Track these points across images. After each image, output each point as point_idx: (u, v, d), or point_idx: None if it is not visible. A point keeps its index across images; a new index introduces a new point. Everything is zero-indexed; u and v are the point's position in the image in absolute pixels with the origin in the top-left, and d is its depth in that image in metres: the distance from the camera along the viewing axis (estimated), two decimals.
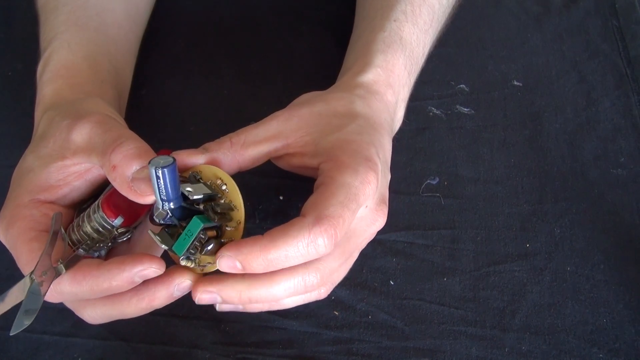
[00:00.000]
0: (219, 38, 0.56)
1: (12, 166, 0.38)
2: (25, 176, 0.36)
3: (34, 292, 0.31)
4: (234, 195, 0.34)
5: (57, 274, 0.32)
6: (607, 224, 0.46)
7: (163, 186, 0.31)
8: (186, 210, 0.34)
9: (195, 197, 0.33)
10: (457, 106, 0.52)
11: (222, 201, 0.34)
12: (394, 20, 0.44)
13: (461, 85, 0.53)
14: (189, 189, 0.33)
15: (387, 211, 0.37)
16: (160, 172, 0.31)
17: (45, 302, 0.42)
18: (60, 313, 0.42)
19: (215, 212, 0.33)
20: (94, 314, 0.35)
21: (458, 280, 0.44)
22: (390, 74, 0.42)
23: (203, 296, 0.34)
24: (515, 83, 0.54)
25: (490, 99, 0.53)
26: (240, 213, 0.34)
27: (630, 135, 0.51)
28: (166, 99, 0.52)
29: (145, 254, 0.33)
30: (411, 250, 0.45)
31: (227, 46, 0.55)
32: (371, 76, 0.41)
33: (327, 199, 0.33)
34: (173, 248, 0.33)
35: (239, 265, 0.32)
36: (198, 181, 0.35)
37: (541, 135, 0.51)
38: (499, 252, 0.45)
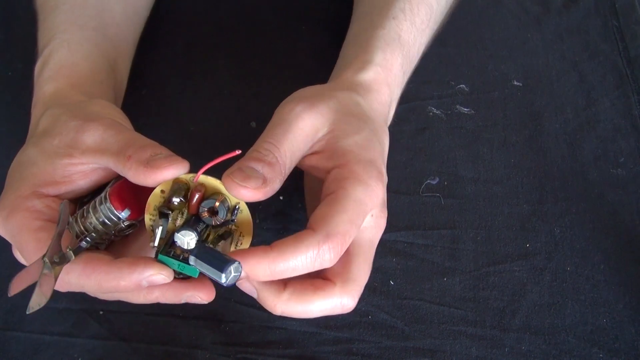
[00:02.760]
0: (219, 38, 0.56)
1: None
2: (27, 168, 0.36)
3: (48, 275, 0.31)
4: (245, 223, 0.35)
5: (67, 259, 0.32)
6: (607, 224, 0.46)
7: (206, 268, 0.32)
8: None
9: (188, 247, 0.33)
10: (457, 106, 0.52)
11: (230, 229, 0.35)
12: (393, 18, 0.44)
13: (461, 85, 0.53)
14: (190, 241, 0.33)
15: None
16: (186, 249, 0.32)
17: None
18: (60, 313, 0.42)
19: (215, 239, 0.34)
20: (102, 295, 0.36)
21: (458, 280, 0.44)
22: (388, 73, 0.42)
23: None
24: (515, 83, 0.54)
25: (490, 99, 0.53)
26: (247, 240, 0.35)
27: (630, 135, 0.51)
28: (166, 99, 0.52)
29: (156, 262, 0.33)
30: (411, 250, 0.45)
31: (227, 46, 0.55)
32: (372, 74, 0.41)
33: (339, 214, 0.33)
34: (159, 256, 0.33)
35: (243, 274, 0.32)
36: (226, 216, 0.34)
37: (541, 135, 0.51)
38: (499, 252, 0.45)
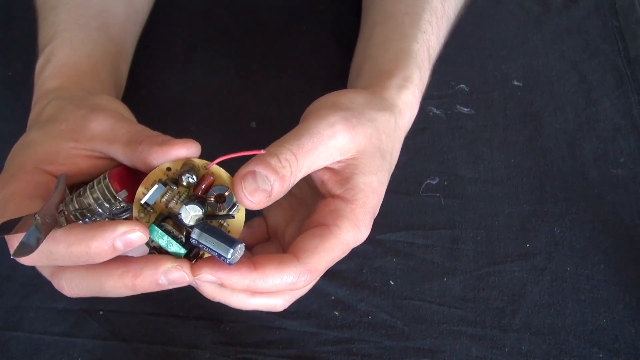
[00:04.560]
0: (219, 38, 0.56)
1: None
2: (30, 148, 0.35)
3: (36, 229, 0.29)
4: (235, 229, 0.34)
5: (59, 224, 0.31)
6: (607, 224, 0.46)
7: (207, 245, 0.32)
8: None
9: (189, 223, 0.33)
10: (457, 106, 0.52)
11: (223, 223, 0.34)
12: (424, 32, 0.43)
13: (461, 85, 0.53)
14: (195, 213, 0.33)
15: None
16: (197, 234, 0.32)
17: (44, 302, 0.43)
18: (60, 313, 0.42)
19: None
20: (73, 283, 0.33)
21: (458, 280, 0.44)
22: (419, 95, 0.42)
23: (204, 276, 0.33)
24: (515, 83, 0.54)
25: (490, 99, 0.53)
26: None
27: (630, 135, 0.51)
28: (166, 99, 0.52)
29: (131, 220, 0.31)
30: (411, 250, 0.45)
31: (227, 46, 0.55)
32: (410, 97, 0.41)
33: (326, 253, 0.34)
34: (151, 225, 0.32)
35: (219, 282, 0.32)
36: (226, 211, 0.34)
37: (541, 135, 0.51)
38: (499, 252, 0.45)
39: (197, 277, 0.32)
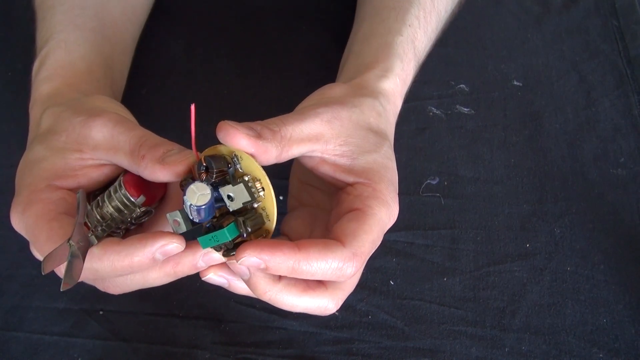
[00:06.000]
0: (219, 38, 0.56)
1: (13, 166, 0.38)
2: (37, 165, 0.35)
3: (75, 256, 0.31)
4: (269, 205, 0.33)
5: (91, 243, 0.32)
6: (607, 224, 0.46)
7: (196, 214, 0.31)
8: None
9: (233, 208, 0.32)
10: (457, 106, 0.52)
11: (256, 213, 0.33)
12: (409, 25, 0.43)
13: (461, 85, 0.53)
14: (230, 193, 0.32)
15: None
16: (195, 209, 0.31)
17: (44, 302, 0.43)
18: (60, 313, 0.42)
19: (247, 229, 0.32)
20: (117, 282, 0.35)
21: (458, 280, 0.44)
22: (403, 85, 0.42)
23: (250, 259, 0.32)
24: (515, 83, 0.54)
25: (490, 99, 0.53)
26: (271, 224, 0.33)
27: (630, 135, 0.51)
28: (166, 99, 0.52)
29: (165, 232, 0.32)
30: (411, 250, 0.45)
31: (227, 46, 0.55)
32: (392, 85, 0.41)
33: (366, 234, 0.33)
34: (198, 239, 0.32)
35: (263, 265, 0.32)
36: (240, 176, 0.33)
37: (541, 135, 0.51)
38: (499, 252, 0.45)
39: (240, 260, 0.31)
